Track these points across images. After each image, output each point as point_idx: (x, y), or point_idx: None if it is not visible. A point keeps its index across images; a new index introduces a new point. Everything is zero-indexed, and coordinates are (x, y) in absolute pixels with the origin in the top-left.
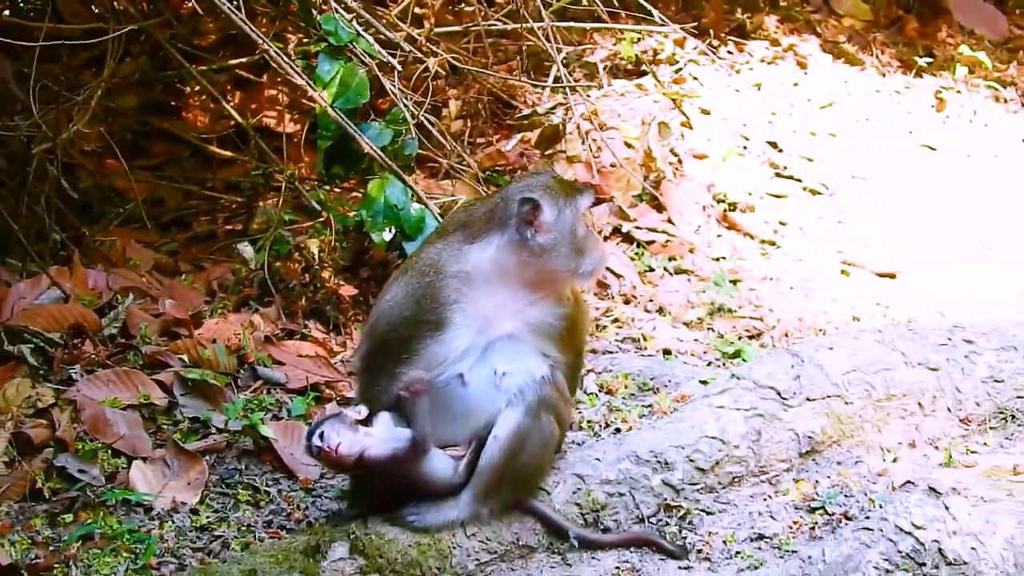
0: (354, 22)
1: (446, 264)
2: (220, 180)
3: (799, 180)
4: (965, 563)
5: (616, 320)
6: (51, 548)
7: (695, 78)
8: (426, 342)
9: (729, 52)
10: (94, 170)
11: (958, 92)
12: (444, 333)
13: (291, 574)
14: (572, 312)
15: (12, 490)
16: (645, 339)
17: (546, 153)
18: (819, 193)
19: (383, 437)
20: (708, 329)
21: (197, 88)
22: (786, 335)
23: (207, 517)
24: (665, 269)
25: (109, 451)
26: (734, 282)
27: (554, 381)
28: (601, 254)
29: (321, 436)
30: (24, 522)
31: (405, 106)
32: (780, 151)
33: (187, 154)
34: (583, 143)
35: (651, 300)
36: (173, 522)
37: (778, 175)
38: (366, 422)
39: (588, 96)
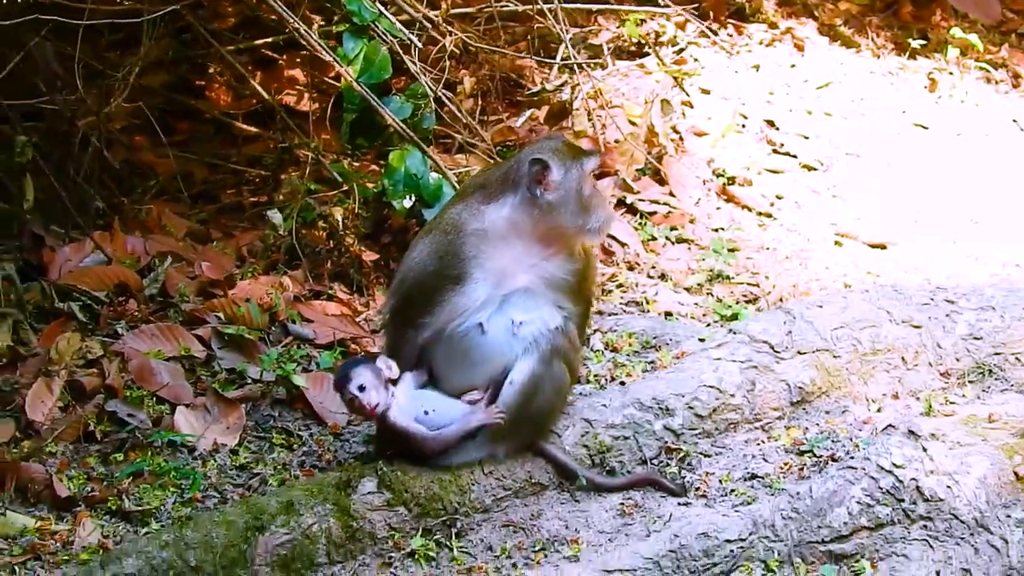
0: (376, 2)
1: (466, 223)
2: (245, 155)
3: (795, 156)
4: (941, 500)
5: (621, 285)
6: (104, 483)
7: (696, 59)
8: (448, 295)
9: (729, 35)
10: (127, 146)
11: (950, 74)
12: (464, 286)
13: (325, 505)
14: (583, 267)
15: (67, 432)
16: (648, 302)
17: (554, 129)
18: (814, 169)
19: (403, 404)
20: (707, 294)
21: (220, 68)
22: (781, 300)
23: (245, 457)
24: (667, 238)
25: (154, 398)
26: (732, 251)
27: (567, 331)
28: (607, 213)
29: (361, 388)
30: (79, 460)
31: (424, 82)
32: (777, 129)
33: (212, 131)
34: (589, 119)
35: (653, 267)
36: (215, 461)
37: (775, 151)
38: (394, 381)
39: (594, 75)
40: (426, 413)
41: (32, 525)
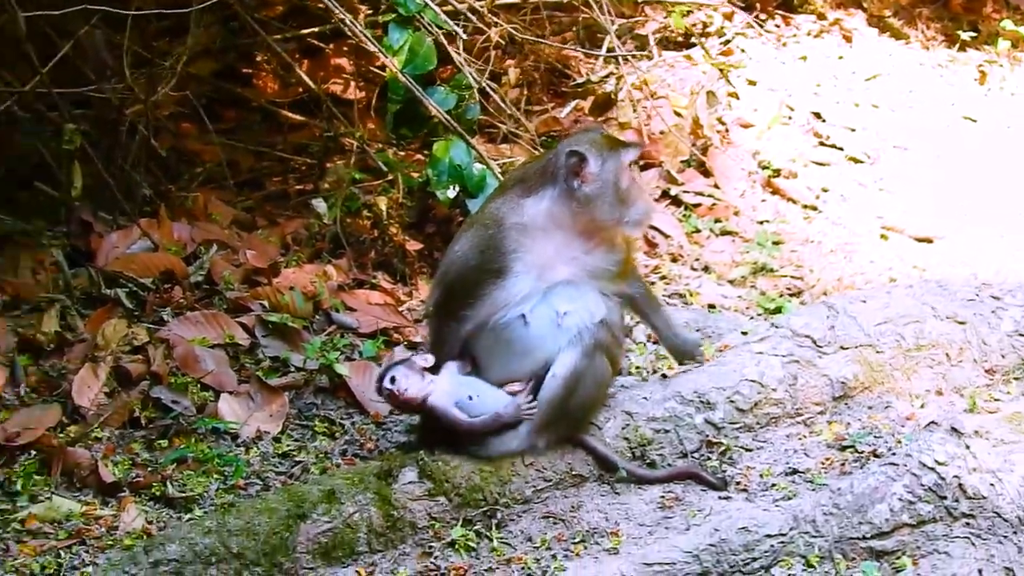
0: None
1: (505, 217)
2: (290, 143)
3: (841, 149)
4: (983, 498)
5: (664, 277)
6: (149, 469)
7: (743, 50)
8: (489, 288)
9: (776, 26)
10: (174, 133)
11: (1000, 66)
12: (505, 279)
13: (366, 494)
14: (626, 255)
15: (113, 418)
16: (691, 295)
17: (598, 120)
18: (861, 161)
19: (445, 388)
20: (751, 287)
21: (268, 56)
22: (825, 294)
23: (288, 445)
24: (711, 230)
25: (198, 385)
26: (776, 244)
27: (611, 324)
28: (646, 206)
29: (392, 380)
30: (124, 446)
31: (468, 73)
32: (824, 121)
33: (258, 119)
34: (634, 111)
35: (697, 259)
36: (258, 448)
37: (821, 144)
38: (433, 370)
39: (639, 66)
40: (469, 399)
41: (78, 510)
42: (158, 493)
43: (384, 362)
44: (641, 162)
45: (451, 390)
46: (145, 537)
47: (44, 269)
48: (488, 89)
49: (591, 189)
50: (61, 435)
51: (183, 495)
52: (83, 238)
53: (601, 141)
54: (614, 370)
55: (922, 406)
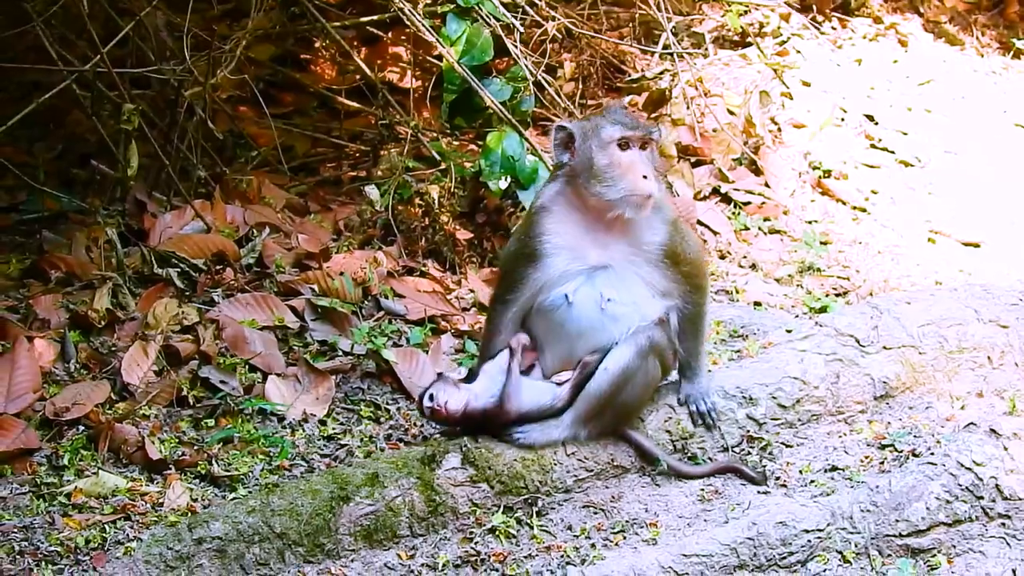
0: None
1: (535, 202)
2: (346, 130)
3: (892, 152)
4: (1020, 499)
5: (712, 273)
6: (195, 447)
7: (798, 51)
8: (527, 271)
9: (832, 28)
10: (231, 116)
11: None
12: (538, 262)
13: (409, 478)
14: (669, 241)
15: (161, 396)
16: (738, 291)
17: (652, 116)
18: (911, 165)
19: (480, 392)
20: (797, 286)
21: (326, 43)
22: (871, 295)
23: (333, 428)
24: (759, 228)
25: (247, 366)
26: (824, 243)
27: (667, 326)
28: (632, 185)
29: (431, 397)
30: (171, 424)
31: (524, 66)
32: (876, 124)
33: (315, 104)
34: (687, 108)
35: (745, 256)
36: (303, 431)
37: (872, 146)
38: (467, 379)
39: (694, 64)
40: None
41: (124, 486)
42: (203, 471)
43: (422, 390)
44: (692, 159)
45: (484, 389)
46: (189, 514)
47: (98, 247)
48: (543, 82)
49: (577, 164)
50: (109, 411)
51: (228, 474)
52: (137, 218)
53: (594, 117)
54: (664, 374)
55: (962, 408)
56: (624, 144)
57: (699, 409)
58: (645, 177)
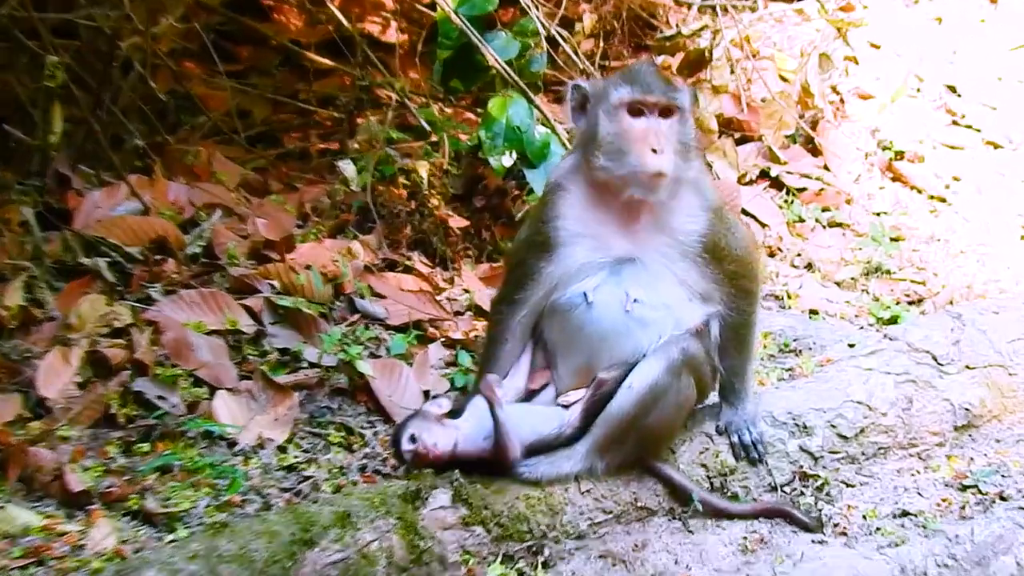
0: None
1: (551, 179)
2: (315, 92)
3: (979, 131)
4: None
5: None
6: (126, 478)
7: (865, 6)
8: (540, 264)
9: None
10: (175, 73)
11: None
12: (552, 252)
13: (387, 519)
14: (711, 232)
15: (85, 413)
16: (790, 296)
17: (689, 81)
18: (1001, 147)
19: (470, 432)
20: (862, 291)
21: None
22: (950, 303)
23: (295, 456)
24: (817, 220)
25: (191, 378)
26: (895, 240)
27: (706, 337)
28: (637, 160)
29: (412, 439)
30: (97, 448)
31: (535, 17)
32: (959, 96)
33: (277, 61)
34: (732, 72)
35: (799, 254)
36: (259, 459)
37: (955, 123)
38: (451, 414)
39: (740, 19)
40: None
41: (37, 523)
42: (135, 507)
43: (395, 426)
44: (737, 134)
45: (476, 429)
46: (117, 560)
47: (10, 230)
48: (558, 37)
49: (585, 131)
50: (20, 432)
51: (166, 511)
52: (59, 195)
53: (612, 76)
54: (701, 396)
55: None
56: (636, 110)
57: (742, 440)
58: (655, 151)
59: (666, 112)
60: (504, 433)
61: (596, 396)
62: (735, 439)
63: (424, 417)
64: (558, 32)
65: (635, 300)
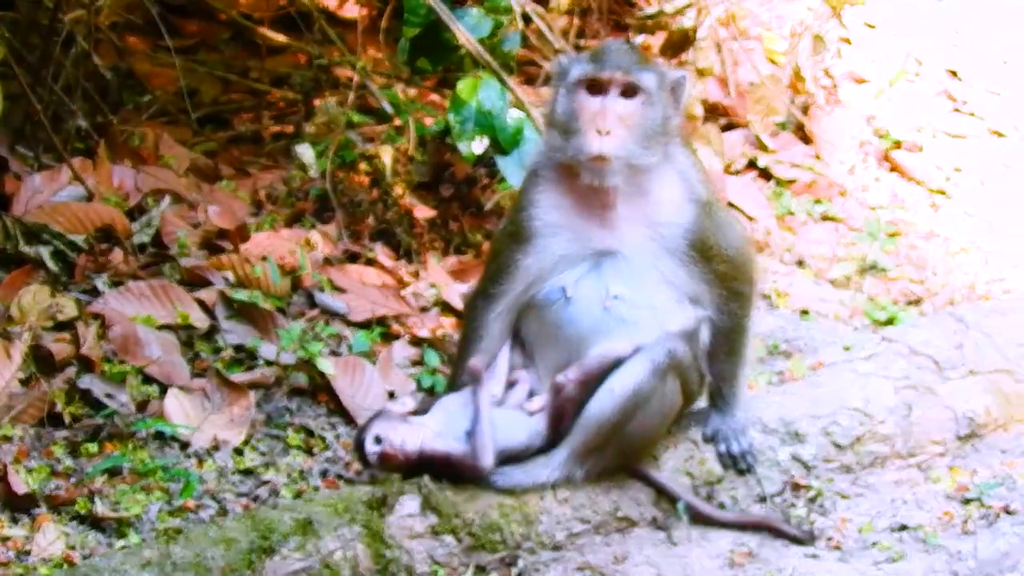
0: None
1: (530, 163)
2: (268, 71)
3: (982, 118)
4: None
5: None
6: (72, 480)
7: None
8: (516, 257)
9: None
10: (116, 49)
11: None
12: (528, 244)
13: (352, 527)
14: (697, 227)
15: (28, 411)
16: (779, 295)
17: (671, 63)
18: (1006, 136)
19: (439, 429)
20: (856, 290)
21: None
22: (951, 303)
23: (252, 460)
24: (808, 214)
25: (140, 376)
26: (892, 236)
27: (694, 340)
28: (581, 141)
29: (377, 440)
30: (41, 449)
31: None
32: (961, 80)
33: (227, 36)
34: (718, 53)
35: (789, 250)
36: (213, 462)
37: (956, 110)
38: (416, 413)
39: None
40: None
41: None
42: (83, 511)
43: (359, 429)
44: (723, 120)
45: (445, 427)
46: (65, 567)
47: None
48: (532, 15)
49: (547, 111)
50: None
51: (115, 515)
52: None
53: (594, 49)
54: (687, 402)
55: None
56: (595, 88)
57: (730, 450)
58: (601, 132)
59: (628, 92)
60: (483, 431)
61: (559, 403)
62: (722, 449)
63: (388, 416)
64: (532, 9)
65: (615, 296)
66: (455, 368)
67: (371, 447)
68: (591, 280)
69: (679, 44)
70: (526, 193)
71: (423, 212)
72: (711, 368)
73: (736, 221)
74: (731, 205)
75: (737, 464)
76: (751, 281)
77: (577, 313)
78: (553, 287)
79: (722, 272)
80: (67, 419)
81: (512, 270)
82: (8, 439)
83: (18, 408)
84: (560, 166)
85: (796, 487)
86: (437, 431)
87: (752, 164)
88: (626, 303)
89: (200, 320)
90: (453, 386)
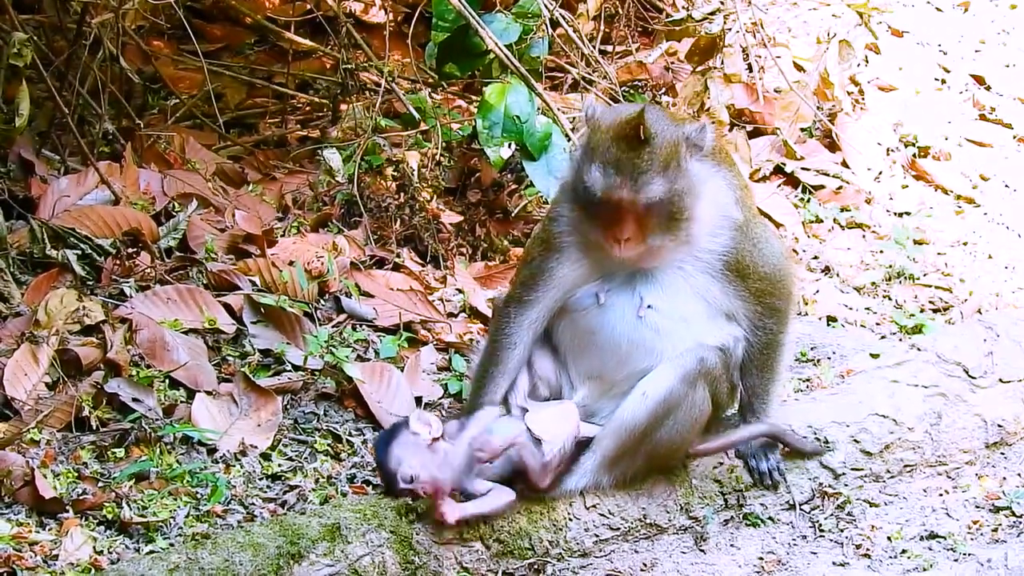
0: None
1: (564, 175)
2: (294, 76)
3: (1009, 126)
4: None
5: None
6: (100, 484)
7: None
8: (550, 264)
9: None
10: (142, 53)
11: None
12: (560, 253)
13: (380, 532)
14: (735, 250)
15: (56, 416)
16: (806, 302)
17: (698, 69)
18: None
19: (456, 463)
20: (884, 297)
21: None
22: (979, 312)
23: (280, 465)
24: (835, 221)
25: (167, 380)
26: (919, 243)
27: (728, 355)
28: (607, 242)
29: (411, 479)
30: (69, 453)
31: None
32: (988, 88)
33: (252, 40)
34: (745, 60)
35: (816, 257)
36: (241, 467)
37: (983, 117)
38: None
39: (755, 2)
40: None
41: (7, 532)
42: (110, 516)
43: (378, 438)
44: (749, 126)
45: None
46: (93, 571)
47: None
48: (561, 20)
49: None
50: None
51: (143, 520)
52: (23, 182)
53: (600, 134)
54: (716, 411)
55: None
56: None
57: (759, 467)
58: (620, 241)
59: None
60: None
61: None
62: (752, 464)
63: (415, 449)
64: (560, 14)
65: (648, 306)
66: (482, 373)
67: (404, 485)
68: (624, 288)
69: (706, 50)
70: (558, 206)
71: (450, 217)
72: (744, 381)
73: (774, 235)
74: (760, 212)
75: (763, 480)
76: (788, 297)
77: (611, 320)
78: (586, 293)
79: (758, 289)
80: (94, 423)
81: (546, 277)
82: (35, 443)
83: (45, 412)
84: None
85: (825, 495)
86: (455, 467)
87: (779, 170)
88: (659, 313)
89: (227, 325)
90: (480, 396)
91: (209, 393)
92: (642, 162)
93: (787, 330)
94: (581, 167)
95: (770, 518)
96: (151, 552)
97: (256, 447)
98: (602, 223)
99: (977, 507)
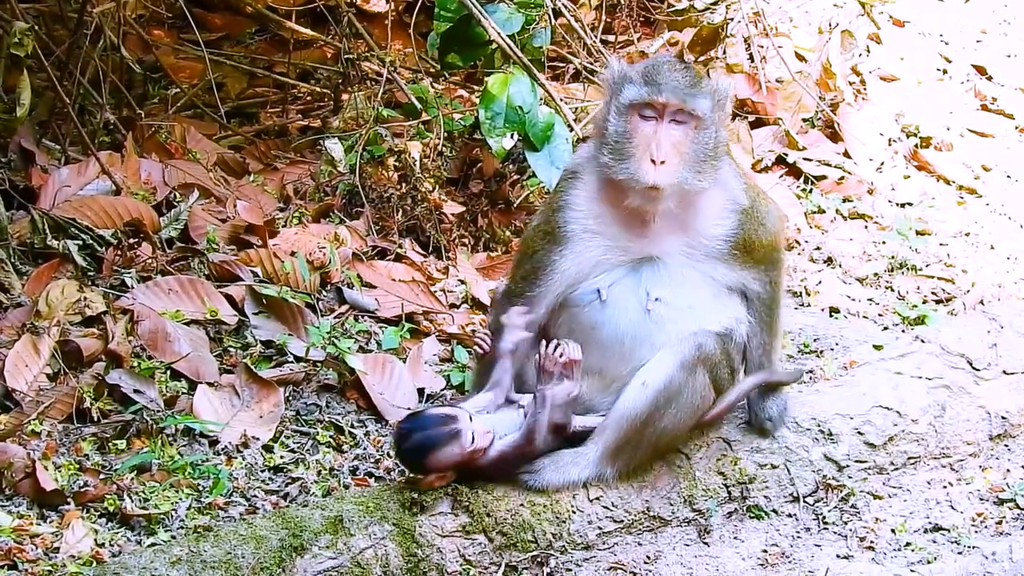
0: None
1: (567, 165)
2: (295, 65)
3: (1011, 117)
4: None
5: None
6: (101, 476)
7: None
8: (550, 257)
9: None
10: (143, 42)
11: None
12: (563, 246)
13: (383, 525)
14: (741, 232)
15: (57, 407)
16: (808, 294)
17: (700, 59)
18: None
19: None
20: (886, 288)
21: None
22: (981, 303)
23: (282, 457)
24: (838, 211)
25: (168, 371)
26: (921, 234)
27: (728, 341)
28: (635, 168)
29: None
30: (70, 445)
31: None
32: (989, 79)
33: (253, 29)
34: (746, 50)
35: (818, 248)
36: (243, 459)
37: (985, 108)
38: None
39: None
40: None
41: (8, 524)
42: (112, 508)
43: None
44: (751, 116)
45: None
46: (94, 564)
47: None
48: (563, 10)
49: (597, 123)
50: None
51: (144, 512)
52: (23, 172)
53: (639, 66)
54: (717, 397)
55: None
56: (648, 111)
57: (768, 414)
58: (655, 162)
59: (682, 117)
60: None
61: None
62: (761, 415)
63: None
64: (562, 4)
65: (656, 299)
66: (481, 370)
67: (465, 443)
68: (629, 283)
69: (708, 40)
70: (563, 194)
71: (452, 208)
72: (751, 342)
73: (773, 204)
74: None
75: (776, 427)
76: (782, 245)
77: (615, 315)
78: (588, 288)
79: (763, 255)
80: (95, 415)
81: (547, 271)
82: (36, 435)
83: (46, 404)
84: (600, 172)
85: (828, 487)
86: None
87: (781, 160)
88: (667, 305)
89: (229, 316)
90: (479, 386)
91: (211, 384)
92: (688, 77)
93: (783, 279)
94: (615, 97)
95: (774, 510)
96: (153, 544)
97: (258, 439)
98: (639, 143)
99: (981, 499)
